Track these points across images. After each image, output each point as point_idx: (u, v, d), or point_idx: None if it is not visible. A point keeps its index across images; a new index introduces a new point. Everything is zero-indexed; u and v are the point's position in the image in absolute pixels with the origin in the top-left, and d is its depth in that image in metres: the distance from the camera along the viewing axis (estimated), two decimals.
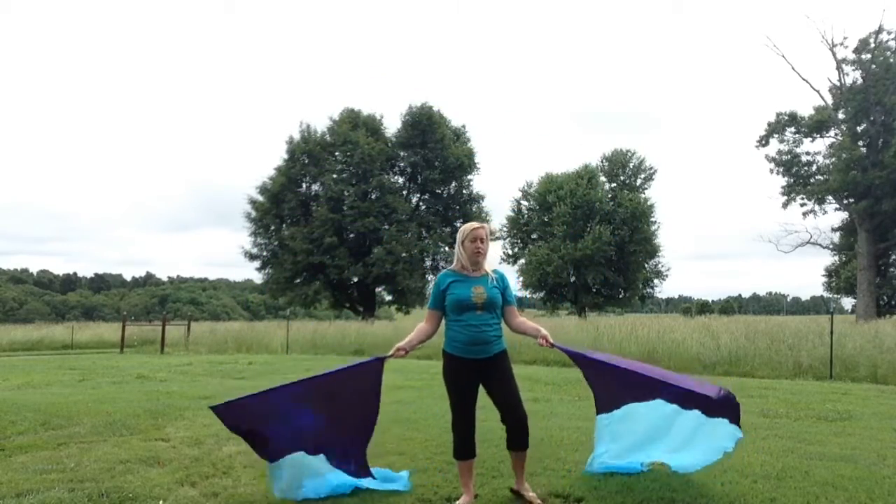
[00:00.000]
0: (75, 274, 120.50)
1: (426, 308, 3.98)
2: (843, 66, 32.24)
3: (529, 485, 3.90)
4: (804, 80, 40.18)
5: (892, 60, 30.97)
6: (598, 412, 4.34)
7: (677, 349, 13.59)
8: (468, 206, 37.89)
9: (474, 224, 3.89)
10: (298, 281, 35.64)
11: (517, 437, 3.76)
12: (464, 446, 3.77)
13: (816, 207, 34.18)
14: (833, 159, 32.23)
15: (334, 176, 35.41)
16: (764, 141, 35.35)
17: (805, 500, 3.84)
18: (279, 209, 35.35)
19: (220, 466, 4.62)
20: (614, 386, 4.25)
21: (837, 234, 35.45)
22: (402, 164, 37.37)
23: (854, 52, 31.79)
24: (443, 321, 3.86)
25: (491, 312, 3.74)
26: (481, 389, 3.83)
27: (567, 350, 4.18)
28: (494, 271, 3.86)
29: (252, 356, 17.94)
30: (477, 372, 3.73)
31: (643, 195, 40.92)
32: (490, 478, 4.24)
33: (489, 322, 3.72)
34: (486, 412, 4.13)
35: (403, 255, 34.21)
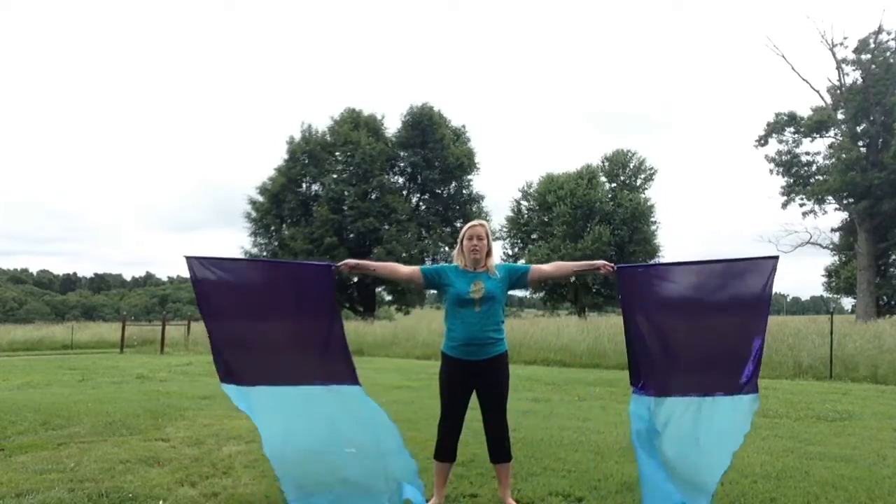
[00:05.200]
0: (75, 274, 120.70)
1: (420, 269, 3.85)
2: (843, 66, 32.22)
3: (514, 499, 3.81)
4: (804, 80, 40.19)
5: (891, 60, 30.93)
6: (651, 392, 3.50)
7: None
8: (468, 206, 37.91)
9: (473, 222, 3.81)
10: None
11: (496, 451, 3.73)
12: (445, 448, 3.73)
13: (816, 207, 34.14)
14: (833, 159, 32.21)
15: (334, 176, 35.43)
16: (763, 141, 35.30)
17: (805, 500, 3.85)
18: (279, 209, 35.37)
19: (220, 466, 4.62)
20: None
21: (837, 234, 35.40)
22: (402, 165, 37.39)
23: (854, 52, 31.76)
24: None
25: (491, 310, 3.61)
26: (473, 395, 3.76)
27: (623, 286, 3.60)
28: (498, 266, 3.73)
29: None
30: (473, 376, 3.64)
31: (643, 195, 40.92)
32: (490, 478, 4.23)
33: (488, 320, 3.59)
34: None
35: (403, 255, 34.19)
